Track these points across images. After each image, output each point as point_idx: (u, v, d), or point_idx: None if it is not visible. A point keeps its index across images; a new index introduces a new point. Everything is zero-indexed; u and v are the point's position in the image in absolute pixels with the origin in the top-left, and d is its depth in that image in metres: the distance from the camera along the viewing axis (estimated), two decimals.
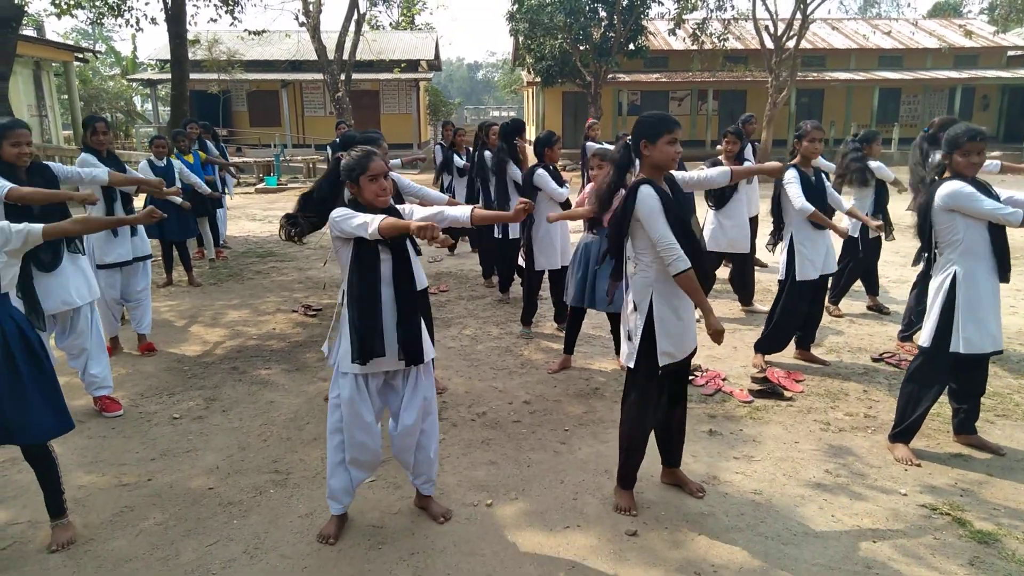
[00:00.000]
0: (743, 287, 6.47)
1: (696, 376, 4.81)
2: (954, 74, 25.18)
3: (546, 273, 5.71)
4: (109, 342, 5.18)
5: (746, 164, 6.25)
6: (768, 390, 4.60)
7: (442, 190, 9.53)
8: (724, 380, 4.81)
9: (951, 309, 3.55)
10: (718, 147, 6.33)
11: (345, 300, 2.90)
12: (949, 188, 3.50)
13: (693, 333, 3.19)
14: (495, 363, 5.25)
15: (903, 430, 3.78)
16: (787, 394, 4.58)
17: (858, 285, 6.65)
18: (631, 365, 3.15)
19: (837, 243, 5.25)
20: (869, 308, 6.54)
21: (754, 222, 7.21)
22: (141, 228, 5.35)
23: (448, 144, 9.25)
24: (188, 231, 7.59)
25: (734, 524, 3.17)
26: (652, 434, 3.34)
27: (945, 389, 3.79)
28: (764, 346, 5.07)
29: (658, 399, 3.22)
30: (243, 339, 5.89)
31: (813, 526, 3.15)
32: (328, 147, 9.73)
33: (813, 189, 4.74)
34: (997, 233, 3.53)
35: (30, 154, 3.91)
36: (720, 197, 6.18)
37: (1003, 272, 3.56)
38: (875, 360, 5.22)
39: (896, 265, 7.86)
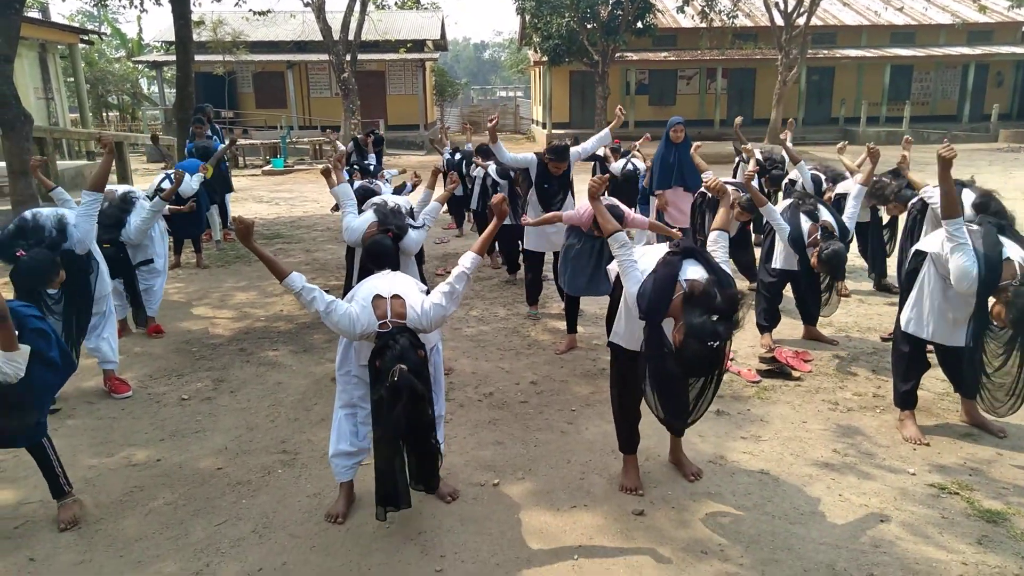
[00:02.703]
0: (745, 266, 6.45)
1: None
2: (967, 50, 24.79)
3: (548, 254, 5.68)
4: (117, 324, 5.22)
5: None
6: (776, 370, 4.58)
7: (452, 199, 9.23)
8: (732, 360, 4.79)
9: (910, 288, 3.74)
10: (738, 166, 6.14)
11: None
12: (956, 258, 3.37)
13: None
14: (502, 344, 5.25)
15: (901, 395, 3.84)
16: (795, 374, 4.56)
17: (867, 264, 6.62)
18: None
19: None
20: (878, 288, 6.50)
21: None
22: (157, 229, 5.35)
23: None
24: (200, 226, 7.57)
25: (741, 503, 3.16)
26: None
27: (924, 361, 3.84)
28: (759, 320, 5.12)
29: (631, 379, 3.19)
30: (251, 320, 5.90)
31: (821, 505, 3.14)
32: (353, 154, 9.37)
33: None
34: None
35: None
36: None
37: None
38: (884, 339, 5.18)
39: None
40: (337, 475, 3.10)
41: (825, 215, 4.69)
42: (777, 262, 4.99)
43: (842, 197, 5.55)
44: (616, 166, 7.82)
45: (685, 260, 2.81)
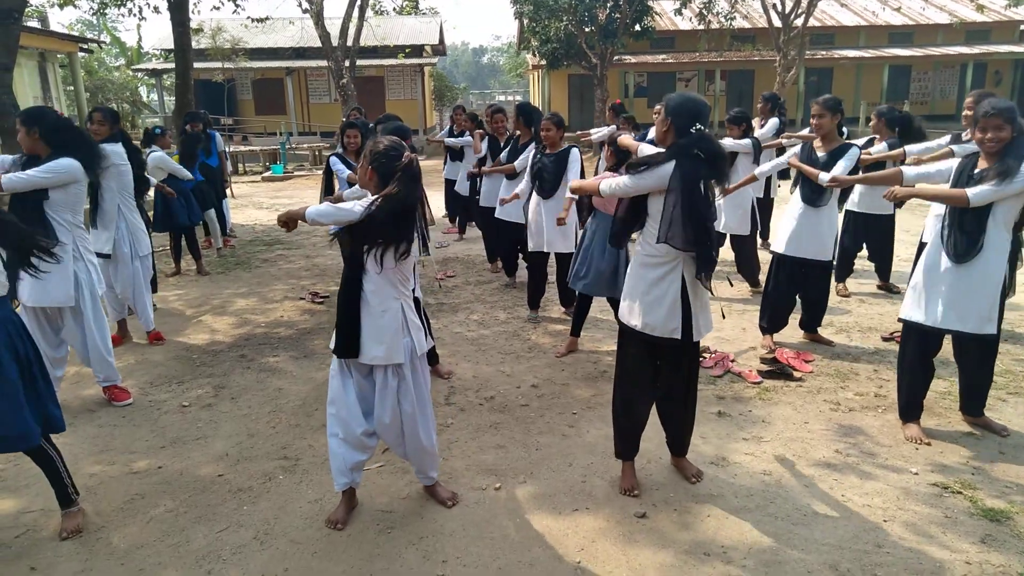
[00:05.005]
0: (746, 268, 6.45)
1: (705, 358, 4.79)
2: (965, 49, 24.81)
3: (553, 256, 5.68)
4: (117, 327, 5.21)
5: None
6: (777, 371, 4.58)
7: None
8: (733, 361, 4.79)
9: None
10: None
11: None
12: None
13: (672, 316, 3.02)
14: (502, 347, 5.25)
15: (904, 405, 3.79)
16: (796, 374, 4.55)
17: (869, 265, 6.62)
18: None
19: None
20: (879, 288, 6.49)
21: (769, 204, 7.33)
22: (124, 226, 5.08)
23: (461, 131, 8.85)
24: (196, 216, 7.58)
25: (744, 505, 3.16)
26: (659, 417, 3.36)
27: (931, 364, 3.75)
28: (762, 321, 5.12)
29: (640, 374, 3.18)
30: (251, 327, 5.90)
31: (823, 506, 3.13)
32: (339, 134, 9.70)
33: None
34: (956, 215, 3.41)
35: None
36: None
37: (953, 254, 3.42)
38: (885, 340, 5.18)
39: (905, 244, 7.77)
40: (335, 485, 3.09)
41: None
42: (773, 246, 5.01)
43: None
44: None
45: None
